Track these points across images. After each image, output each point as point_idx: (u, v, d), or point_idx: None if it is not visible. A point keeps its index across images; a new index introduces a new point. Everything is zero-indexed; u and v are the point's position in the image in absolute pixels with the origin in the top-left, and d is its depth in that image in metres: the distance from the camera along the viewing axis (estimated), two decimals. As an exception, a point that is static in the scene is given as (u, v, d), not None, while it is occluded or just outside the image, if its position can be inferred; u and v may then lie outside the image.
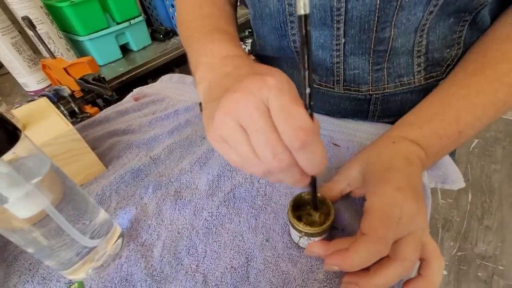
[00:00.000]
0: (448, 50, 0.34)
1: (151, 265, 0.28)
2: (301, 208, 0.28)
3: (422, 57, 0.34)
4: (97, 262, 0.28)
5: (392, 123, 0.41)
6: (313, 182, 0.24)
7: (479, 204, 1.32)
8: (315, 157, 0.19)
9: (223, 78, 0.24)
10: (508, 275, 1.05)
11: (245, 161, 0.20)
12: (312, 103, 0.19)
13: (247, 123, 0.18)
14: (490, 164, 1.48)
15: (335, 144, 0.39)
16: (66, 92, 0.72)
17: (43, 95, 0.67)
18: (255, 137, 0.18)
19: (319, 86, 0.40)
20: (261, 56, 0.48)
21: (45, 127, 0.35)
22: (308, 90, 0.18)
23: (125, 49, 1.02)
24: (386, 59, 0.34)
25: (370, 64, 0.35)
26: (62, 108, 0.74)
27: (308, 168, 0.19)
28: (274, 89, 0.17)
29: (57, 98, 0.71)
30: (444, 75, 0.35)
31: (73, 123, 0.36)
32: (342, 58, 0.35)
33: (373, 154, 0.30)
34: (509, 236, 1.18)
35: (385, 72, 0.35)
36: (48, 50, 0.72)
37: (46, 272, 0.29)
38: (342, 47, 0.34)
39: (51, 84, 0.82)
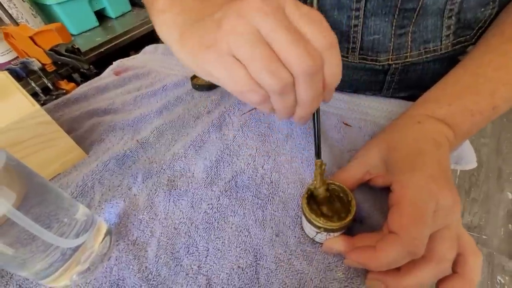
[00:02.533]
0: (482, 9, 0.29)
1: (146, 267, 0.25)
2: (314, 199, 0.25)
3: (453, 18, 0.30)
4: (83, 265, 0.24)
5: (407, 98, 0.37)
6: (317, 115, 0.24)
7: (467, 177, 1.35)
8: (338, 60, 0.18)
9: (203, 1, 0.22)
10: (491, 244, 1.10)
11: (261, 74, 0.17)
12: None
13: (266, 25, 0.16)
14: (479, 138, 1.50)
15: (346, 124, 0.35)
16: (36, 65, 0.63)
17: (8, 69, 0.59)
18: (277, 35, 0.16)
19: None
20: None
21: (5, 109, 0.29)
22: None
23: (101, 16, 0.91)
24: (413, 21, 0.30)
25: (394, 28, 0.30)
26: (33, 84, 0.66)
27: (331, 72, 0.19)
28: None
29: (25, 73, 0.63)
30: (473, 40, 0.31)
31: (48, 101, 0.30)
32: (362, 20, 0.30)
33: (395, 137, 0.26)
34: (493, 207, 1.23)
35: (409, 37, 0.31)
36: (9, 15, 0.63)
37: (22, 278, 0.25)
38: (363, 5, 0.29)
39: (17, 57, 0.72)
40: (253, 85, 0.18)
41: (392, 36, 0.31)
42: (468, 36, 0.32)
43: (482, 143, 1.47)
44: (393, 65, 0.33)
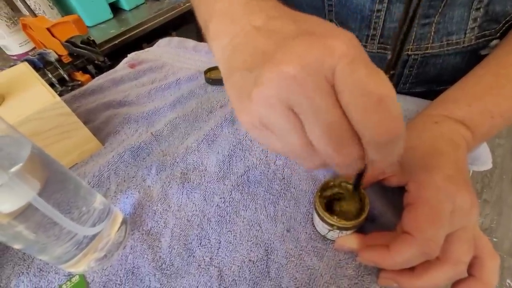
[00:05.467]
0: (511, 3, 0.28)
1: (159, 256, 0.25)
2: (327, 197, 0.25)
3: (481, 9, 0.29)
4: (100, 253, 0.25)
5: (424, 93, 0.36)
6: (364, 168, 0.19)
7: (480, 178, 1.32)
8: (397, 152, 0.13)
9: (252, 34, 0.17)
10: (502, 247, 1.08)
11: (293, 152, 0.15)
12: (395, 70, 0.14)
13: (303, 108, 0.13)
14: (495, 139, 1.46)
15: (360, 122, 0.35)
16: (53, 56, 0.64)
17: (26, 60, 0.60)
18: (315, 127, 0.13)
19: None
20: None
21: (27, 99, 0.30)
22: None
23: (115, 8, 0.92)
24: (439, 11, 0.29)
25: (418, 17, 0.29)
26: (50, 75, 0.67)
27: (381, 164, 0.14)
28: (344, 60, 0.12)
29: (43, 64, 0.65)
30: (497, 34, 0.31)
31: (63, 92, 0.31)
32: (386, 5, 0.30)
33: (412, 137, 0.26)
34: (506, 209, 1.20)
35: (433, 28, 0.30)
36: (28, 7, 0.64)
37: (42, 262, 0.26)
38: None
39: (35, 48, 0.74)
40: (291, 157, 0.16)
41: (416, 25, 0.30)
42: (493, 30, 0.31)
43: (497, 144, 1.43)
44: (413, 56, 0.33)
